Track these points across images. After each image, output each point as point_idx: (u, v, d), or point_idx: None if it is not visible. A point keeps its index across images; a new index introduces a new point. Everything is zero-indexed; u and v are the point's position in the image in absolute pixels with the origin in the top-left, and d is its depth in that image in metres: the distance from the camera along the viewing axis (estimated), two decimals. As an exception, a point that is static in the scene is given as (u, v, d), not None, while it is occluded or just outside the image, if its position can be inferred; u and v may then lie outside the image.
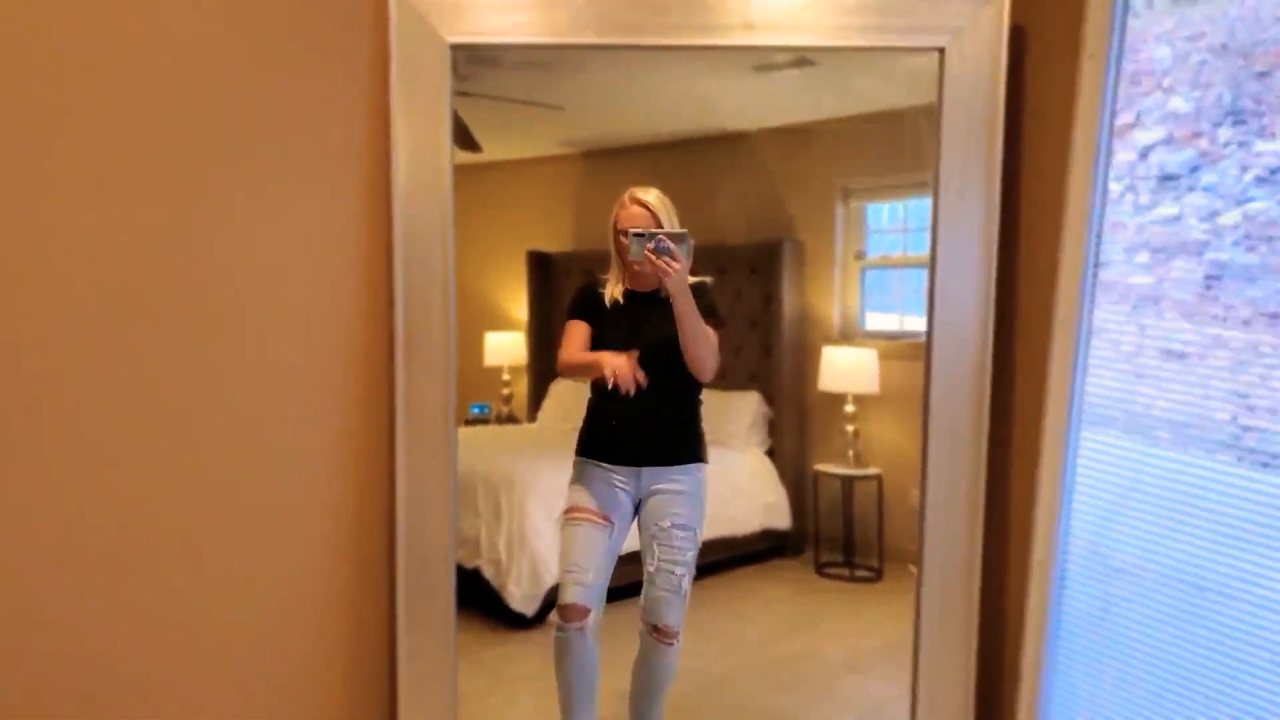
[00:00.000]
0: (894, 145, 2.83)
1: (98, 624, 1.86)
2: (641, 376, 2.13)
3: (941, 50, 2.04)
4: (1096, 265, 1.89)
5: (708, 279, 2.25)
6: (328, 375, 2.06)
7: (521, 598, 2.92)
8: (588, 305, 2.30)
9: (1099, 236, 1.88)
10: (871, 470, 3.06)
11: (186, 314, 1.90)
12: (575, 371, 2.30)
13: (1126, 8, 1.81)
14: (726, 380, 3.30)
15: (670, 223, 2.18)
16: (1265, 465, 1.62)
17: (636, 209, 2.19)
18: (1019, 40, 2.07)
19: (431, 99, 2.05)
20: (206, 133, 1.89)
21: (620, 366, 2.12)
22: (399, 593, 2.11)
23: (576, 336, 2.27)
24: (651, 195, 2.20)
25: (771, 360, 3.33)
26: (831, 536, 3.18)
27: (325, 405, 2.06)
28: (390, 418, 2.09)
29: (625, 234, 2.16)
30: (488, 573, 3.00)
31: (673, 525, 2.22)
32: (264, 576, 2.03)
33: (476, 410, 3.65)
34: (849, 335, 3.21)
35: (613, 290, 2.26)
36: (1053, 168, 1.97)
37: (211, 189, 1.91)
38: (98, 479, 1.84)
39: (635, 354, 2.16)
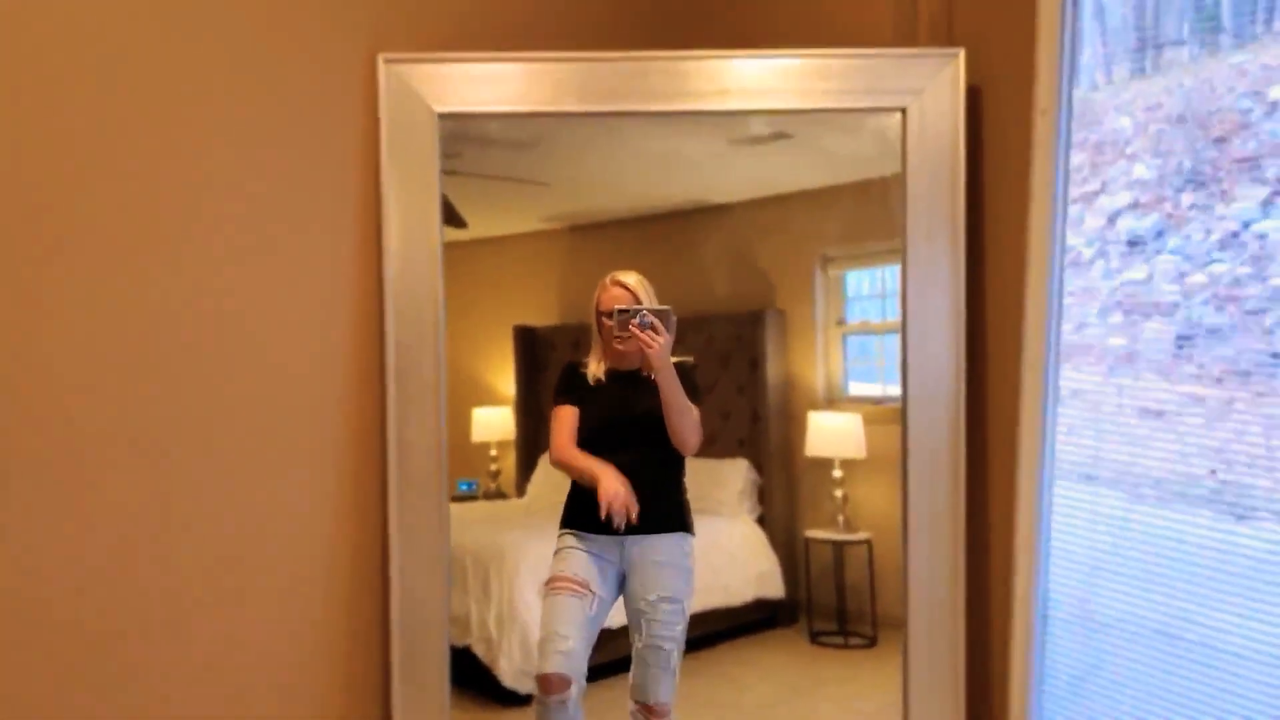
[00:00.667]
0: (869, 212, 2.90)
1: (89, 686, 1.83)
2: (634, 509, 2.14)
3: (904, 110, 2.14)
4: (1059, 320, 1.95)
5: (689, 359, 2.28)
6: (322, 442, 2.08)
7: (514, 674, 2.87)
8: (573, 386, 2.32)
9: (1060, 294, 1.93)
10: (861, 535, 3.05)
11: (184, 380, 1.94)
12: (570, 473, 2.29)
13: (1074, 66, 1.92)
14: (715, 448, 3.31)
15: (650, 302, 2.22)
16: (1242, 518, 1.64)
17: (617, 290, 2.23)
18: (976, 99, 2.18)
19: (421, 166, 2.14)
20: (200, 197, 1.95)
21: (616, 497, 2.13)
22: (394, 669, 2.09)
23: (567, 423, 2.28)
24: (631, 278, 2.25)
25: (759, 426, 3.34)
26: (824, 604, 3.15)
27: (320, 473, 2.07)
28: (383, 492, 2.09)
29: (608, 315, 2.20)
30: (479, 650, 2.95)
31: (659, 599, 2.19)
32: (257, 651, 2.00)
33: (464, 487, 3.62)
34: (833, 400, 3.24)
35: (595, 370, 2.28)
36: (1013, 217, 2.06)
37: (208, 255, 1.96)
38: (93, 531, 1.84)
39: (628, 489, 2.16)
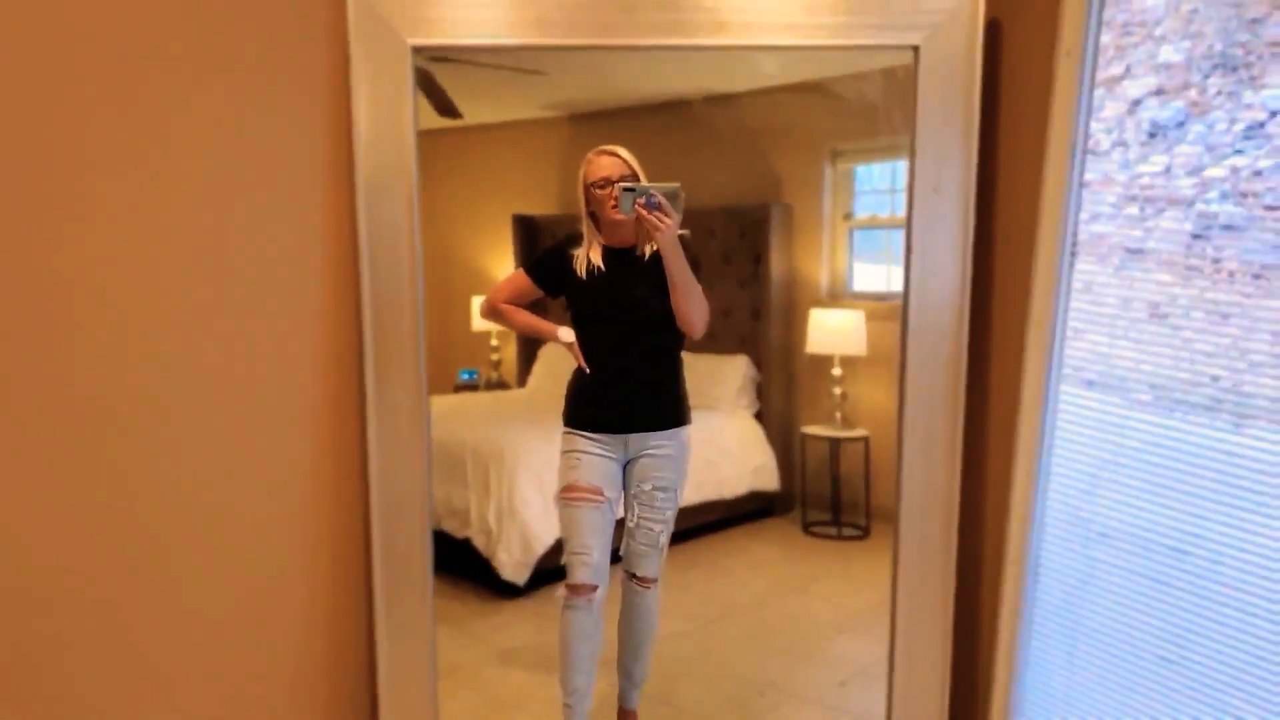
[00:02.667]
0: (882, 105, 2.80)
1: (80, 612, 1.85)
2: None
3: (916, 48, 2.01)
4: (1075, 242, 1.88)
5: (685, 232, 2.22)
6: (299, 364, 2.04)
7: (513, 567, 2.92)
8: (548, 268, 2.28)
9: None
10: (859, 432, 3.06)
11: (157, 306, 1.87)
12: (502, 324, 2.38)
13: (1104, 2, 1.78)
14: (716, 344, 3.29)
15: (640, 172, 2.15)
16: (1243, 423, 1.61)
17: (606, 159, 2.16)
18: (995, 35, 2.04)
19: (393, 101, 2.01)
20: (167, 133, 1.84)
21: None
22: (375, 560, 2.11)
23: (514, 283, 2.32)
24: (621, 150, 2.18)
25: (760, 323, 3.31)
26: (819, 497, 3.19)
27: (297, 388, 2.04)
28: (361, 394, 2.08)
29: (599, 185, 2.13)
30: (478, 543, 2.99)
31: (654, 488, 2.23)
32: (242, 558, 2.02)
33: (465, 377, 3.63)
34: (837, 297, 3.20)
35: (590, 253, 2.22)
36: (1029, 166, 1.95)
37: (178, 186, 1.87)
38: (71, 473, 1.81)
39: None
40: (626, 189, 2.05)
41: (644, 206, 2.02)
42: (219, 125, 1.90)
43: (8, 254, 1.73)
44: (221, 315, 1.94)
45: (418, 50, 2.02)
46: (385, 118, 2.02)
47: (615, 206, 2.11)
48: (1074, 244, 1.89)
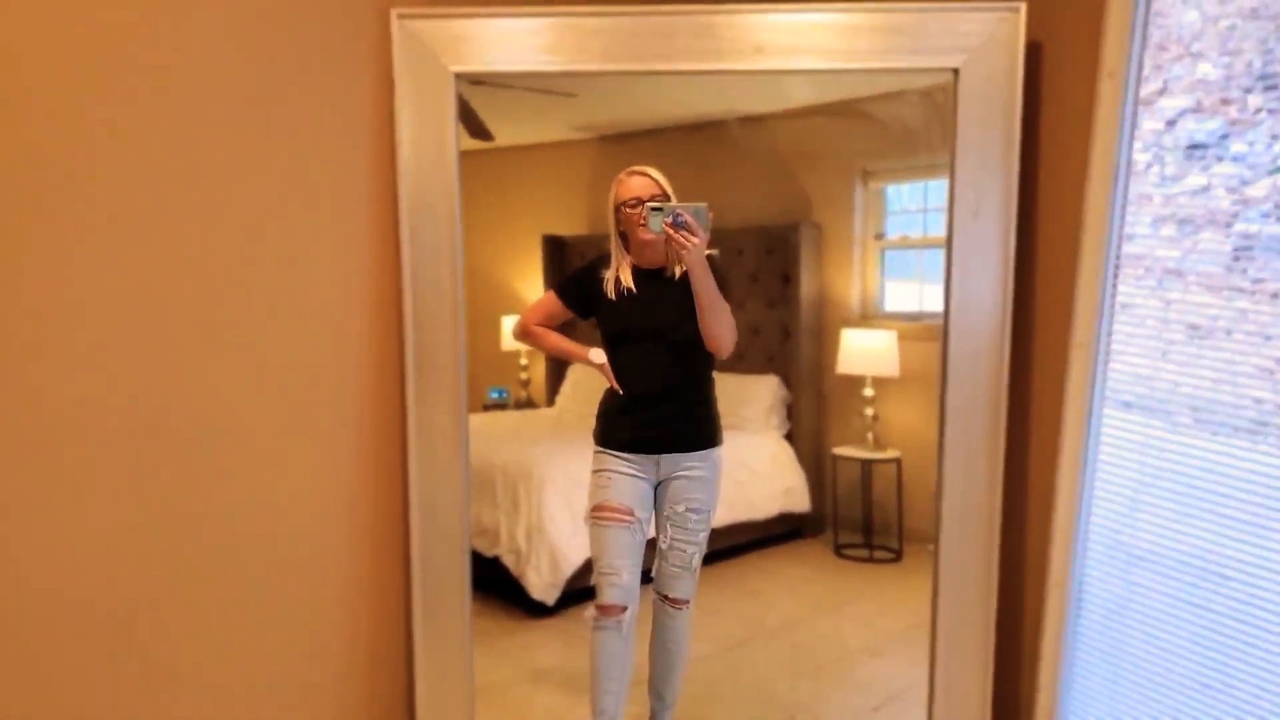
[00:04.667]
0: (920, 126, 2.78)
1: (122, 613, 1.86)
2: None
3: (955, 71, 1.99)
4: (1118, 261, 1.86)
5: (714, 251, 2.22)
6: (342, 380, 2.07)
7: (542, 586, 2.91)
8: (579, 289, 2.28)
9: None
10: (891, 454, 3.03)
11: (205, 327, 1.90)
12: (535, 346, 2.39)
13: (1147, 23, 1.76)
14: (745, 364, 3.27)
15: (670, 192, 2.15)
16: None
17: (637, 179, 2.17)
18: (1035, 57, 2.02)
19: (438, 128, 2.04)
20: (217, 159, 1.88)
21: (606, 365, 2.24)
22: (414, 580, 2.11)
23: (546, 306, 2.33)
24: (652, 170, 2.18)
25: (790, 343, 3.30)
26: (850, 519, 3.15)
27: (340, 409, 2.07)
28: (402, 414, 2.09)
29: (629, 205, 2.14)
30: (508, 562, 2.99)
31: (687, 509, 2.21)
32: (284, 578, 2.04)
33: (495, 395, 3.64)
34: (868, 317, 3.17)
35: (620, 273, 2.22)
36: (1070, 187, 1.94)
37: (226, 210, 1.91)
38: (113, 495, 1.84)
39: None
40: (655, 208, 2.05)
41: (671, 225, 2.02)
42: (268, 151, 1.94)
43: (73, 286, 1.77)
44: (268, 336, 1.97)
45: (459, 76, 2.04)
46: (428, 142, 2.05)
47: (644, 225, 2.11)
48: (1117, 266, 1.86)
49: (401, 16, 2.01)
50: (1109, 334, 1.90)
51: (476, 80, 2.16)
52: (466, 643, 2.15)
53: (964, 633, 2.11)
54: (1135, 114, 1.81)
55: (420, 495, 2.11)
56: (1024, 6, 1.96)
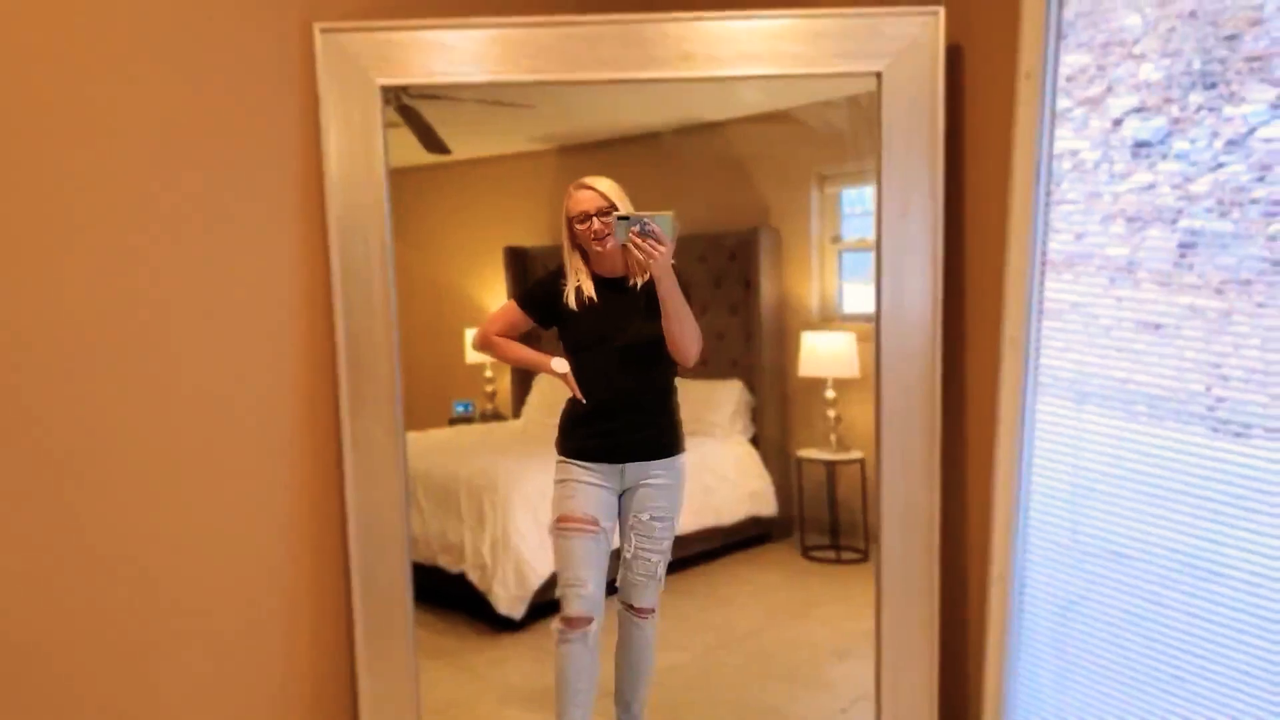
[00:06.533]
0: (849, 132, 2.82)
1: (41, 643, 1.82)
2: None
3: (879, 75, 2.02)
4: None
5: (673, 261, 2.22)
6: (274, 396, 2.05)
7: (509, 601, 2.89)
8: (538, 300, 2.27)
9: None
10: (854, 454, 3.05)
11: (130, 344, 1.87)
12: (496, 356, 2.36)
13: (1061, 24, 1.81)
14: (710, 370, 3.28)
15: (622, 204, 2.15)
16: (1238, 435, 1.61)
17: (585, 193, 2.16)
18: (956, 59, 2.06)
19: (363, 140, 2.03)
20: (136, 173, 1.85)
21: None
22: (355, 598, 2.10)
23: (506, 315, 2.30)
24: (601, 182, 2.17)
25: (753, 347, 3.31)
26: (817, 520, 3.17)
27: (273, 425, 2.04)
28: (338, 430, 2.07)
29: (580, 220, 2.14)
30: (473, 577, 2.97)
31: (652, 517, 2.21)
32: (219, 596, 2.01)
33: (460, 409, 3.61)
34: (828, 319, 3.20)
35: (581, 283, 2.21)
36: (995, 186, 1.97)
37: (147, 224, 1.88)
38: (42, 506, 1.80)
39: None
40: (621, 217, 2.05)
41: (638, 234, 2.02)
42: (192, 166, 1.91)
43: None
44: (195, 352, 1.94)
45: (387, 89, 2.03)
46: (356, 156, 2.03)
47: (597, 240, 2.12)
48: (1044, 261, 1.90)
49: (324, 30, 2.00)
50: (1039, 328, 1.93)
51: (425, 94, 2.15)
52: (411, 659, 2.14)
53: (909, 632, 2.14)
54: (1054, 113, 1.84)
55: (358, 511, 2.10)
56: (943, 10, 2.00)
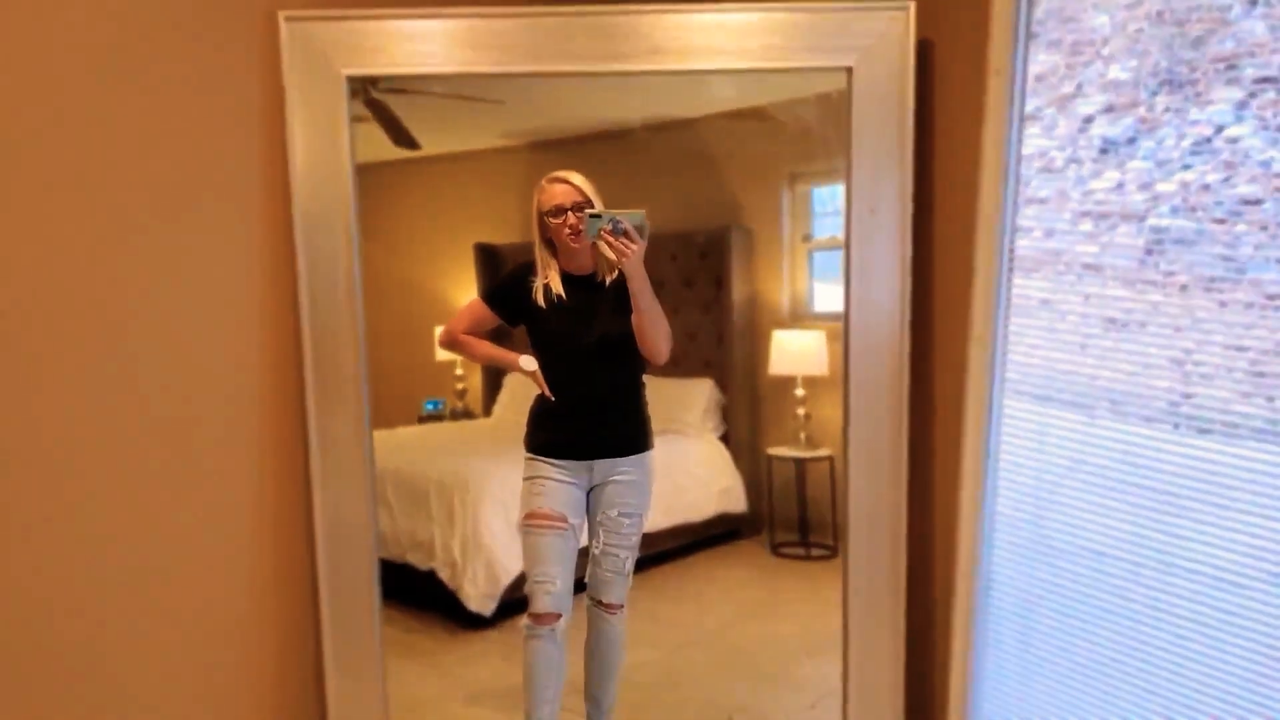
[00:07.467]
0: (819, 129, 2.82)
1: (33, 644, 1.78)
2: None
3: (849, 70, 2.02)
4: (1012, 257, 1.91)
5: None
6: (238, 393, 2.02)
7: (478, 598, 2.87)
8: (507, 296, 2.25)
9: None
10: (823, 452, 3.06)
11: (92, 340, 1.84)
12: (462, 354, 2.37)
13: (1030, 21, 1.82)
14: (681, 368, 3.28)
15: (595, 200, 2.14)
16: (1202, 432, 1.63)
17: (559, 186, 2.15)
18: (927, 55, 2.06)
19: (328, 132, 2.00)
20: (97, 165, 1.82)
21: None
22: (322, 596, 2.08)
23: (473, 313, 2.29)
24: (574, 176, 2.16)
25: (724, 346, 3.32)
26: (786, 518, 3.18)
27: (238, 422, 2.01)
28: (303, 427, 2.05)
29: (552, 214, 2.12)
30: (443, 575, 2.94)
31: (620, 514, 2.21)
32: (184, 594, 1.98)
33: (430, 407, 3.59)
34: (798, 318, 3.21)
35: (550, 280, 2.20)
36: (964, 184, 1.98)
37: (109, 218, 1.84)
38: (17, 503, 1.77)
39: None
40: (593, 215, 2.04)
41: (610, 232, 2.01)
42: (154, 158, 1.88)
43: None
44: (157, 350, 1.91)
45: (353, 80, 2.01)
46: (321, 148, 2.01)
47: (573, 234, 2.10)
48: (1011, 259, 1.91)
49: (289, 19, 1.97)
50: (1006, 327, 1.94)
51: (394, 88, 2.13)
52: (379, 656, 2.12)
53: (875, 629, 2.15)
54: (1024, 111, 1.86)
55: (325, 509, 2.07)
56: (913, 5, 2.01)
